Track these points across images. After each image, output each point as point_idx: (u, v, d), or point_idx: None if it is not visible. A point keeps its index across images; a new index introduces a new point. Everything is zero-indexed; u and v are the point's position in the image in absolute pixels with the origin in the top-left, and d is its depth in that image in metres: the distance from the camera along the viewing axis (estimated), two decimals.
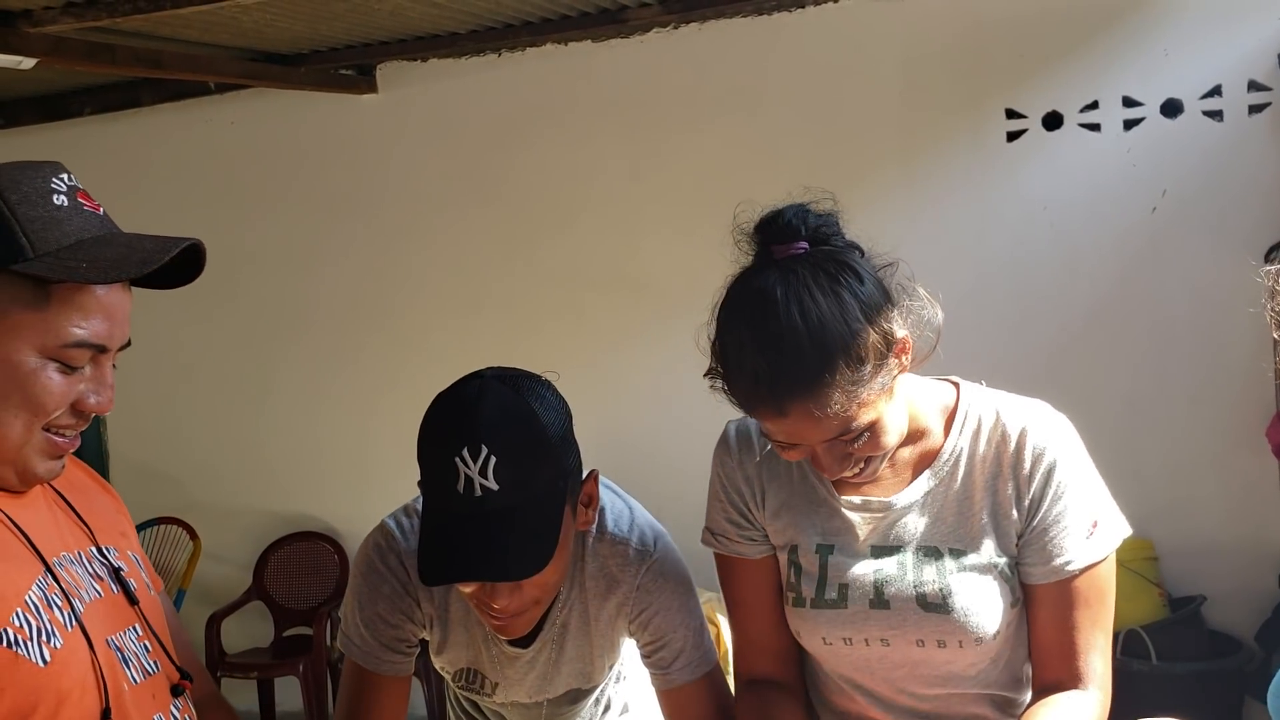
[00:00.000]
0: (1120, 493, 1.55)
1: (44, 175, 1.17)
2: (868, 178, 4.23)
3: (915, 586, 1.49)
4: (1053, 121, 4.11)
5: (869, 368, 1.35)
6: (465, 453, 1.38)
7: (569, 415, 1.50)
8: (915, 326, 1.43)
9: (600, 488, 1.61)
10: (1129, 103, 4.03)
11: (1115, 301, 4.08)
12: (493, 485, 1.37)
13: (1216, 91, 3.94)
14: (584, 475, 1.54)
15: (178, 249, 1.19)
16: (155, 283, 1.20)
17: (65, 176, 1.19)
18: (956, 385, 1.56)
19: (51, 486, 1.29)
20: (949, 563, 1.49)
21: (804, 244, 1.40)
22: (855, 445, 1.40)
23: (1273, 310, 1.31)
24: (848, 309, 1.35)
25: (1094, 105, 4.06)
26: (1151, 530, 3.97)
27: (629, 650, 1.75)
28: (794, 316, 1.33)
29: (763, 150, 4.33)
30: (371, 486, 4.69)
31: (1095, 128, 4.07)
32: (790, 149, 4.23)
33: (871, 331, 1.36)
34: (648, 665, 1.67)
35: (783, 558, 1.57)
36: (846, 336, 1.34)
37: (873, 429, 1.39)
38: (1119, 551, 1.52)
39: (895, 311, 1.41)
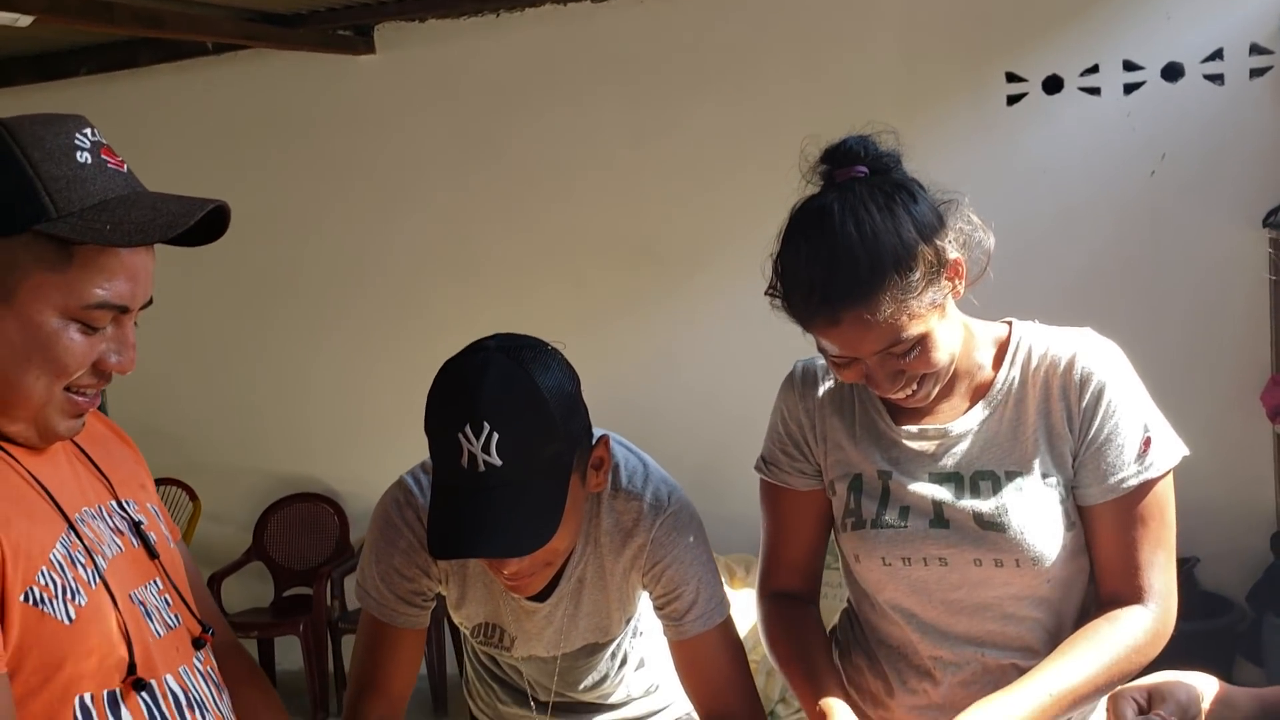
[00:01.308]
0: None
1: (68, 131, 1.15)
2: None
3: (973, 506, 1.54)
4: (1053, 85, 4.11)
5: (919, 278, 1.42)
6: (468, 429, 1.38)
7: (577, 382, 1.51)
8: (967, 249, 1.50)
9: (615, 445, 1.63)
10: (1129, 66, 4.02)
11: (1113, 265, 4.09)
12: (496, 461, 1.38)
13: (1218, 55, 3.93)
14: (594, 439, 1.56)
15: (203, 211, 1.17)
16: (177, 241, 1.19)
17: (89, 131, 1.17)
18: (1009, 323, 1.63)
19: (72, 440, 1.29)
20: (1005, 484, 1.54)
21: (863, 168, 1.48)
22: (906, 360, 1.46)
23: None
24: (901, 223, 1.43)
25: (1094, 69, 4.06)
26: None
27: (646, 606, 1.78)
28: (849, 229, 1.41)
29: (762, 113, 4.32)
30: (371, 448, 4.71)
31: (1095, 91, 4.07)
32: (789, 112, 4.21)
33: (922, 245, 1.43)
34: (661, 617, 1.69)
35: (842, 487, 1.63)
36: (898, 247, 1.41)
37: (923, 343, 1.46)
38: None
39: (949, 234, 1.47)
